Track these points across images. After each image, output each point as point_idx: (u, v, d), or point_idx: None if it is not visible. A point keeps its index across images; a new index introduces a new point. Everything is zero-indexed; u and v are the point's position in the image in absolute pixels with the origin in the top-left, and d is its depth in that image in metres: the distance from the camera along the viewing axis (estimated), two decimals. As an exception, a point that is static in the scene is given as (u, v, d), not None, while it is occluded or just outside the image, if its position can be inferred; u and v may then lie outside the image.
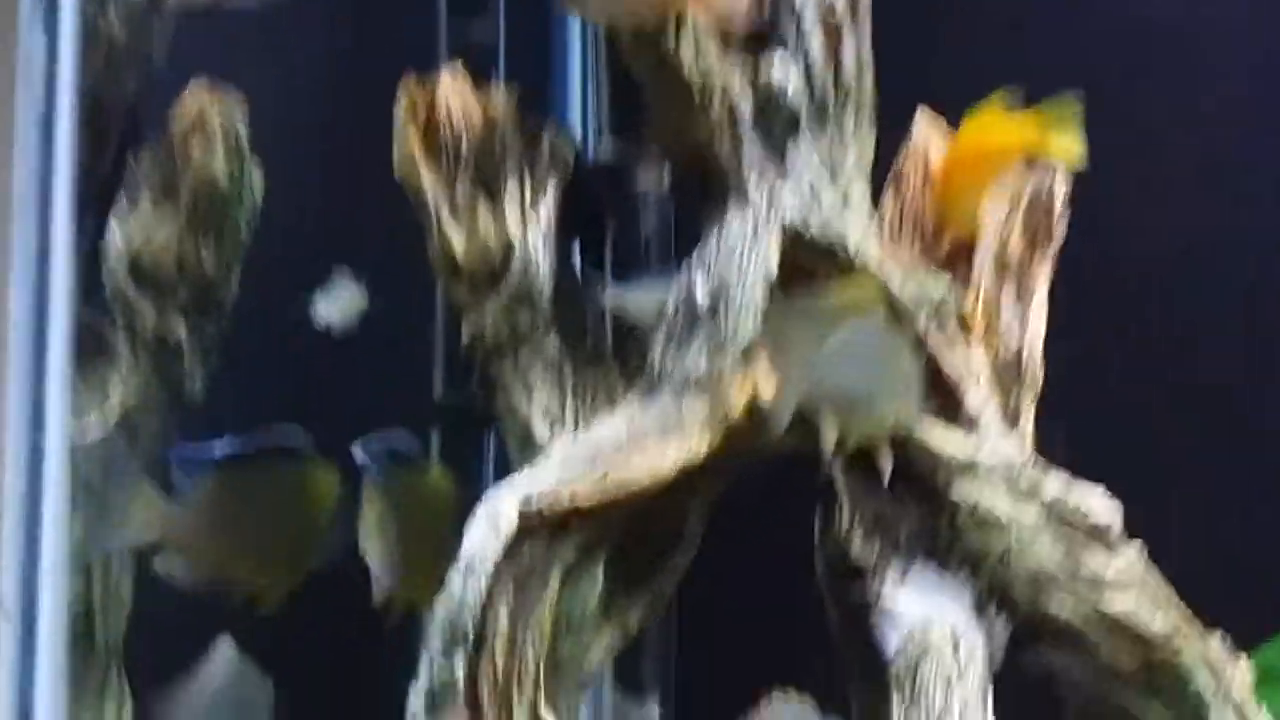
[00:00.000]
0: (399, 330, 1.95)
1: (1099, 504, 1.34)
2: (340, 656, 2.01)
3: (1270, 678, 1.72)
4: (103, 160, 1.65)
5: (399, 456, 1.51)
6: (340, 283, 1.74)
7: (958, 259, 1.52)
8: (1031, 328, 1.48)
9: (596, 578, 1.37)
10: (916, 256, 1.52)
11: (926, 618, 1.32)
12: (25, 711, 1.23)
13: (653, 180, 1.75)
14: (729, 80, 1.38)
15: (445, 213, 1.44)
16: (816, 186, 1.38)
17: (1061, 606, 1.32)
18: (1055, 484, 1.35)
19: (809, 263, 1.38)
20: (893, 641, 1.33)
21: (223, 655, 1.85)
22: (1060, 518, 1.33)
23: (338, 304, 1.73)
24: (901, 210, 1.55)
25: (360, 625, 1.64)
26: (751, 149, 1.37)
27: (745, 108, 1.38)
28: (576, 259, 1.64)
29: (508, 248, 1.44)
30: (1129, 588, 1.32)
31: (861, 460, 1.40)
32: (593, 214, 1.74)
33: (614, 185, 1.74)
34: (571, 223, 1.68)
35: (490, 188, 1.46)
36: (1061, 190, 1.51)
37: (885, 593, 1.36)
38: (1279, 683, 1.70)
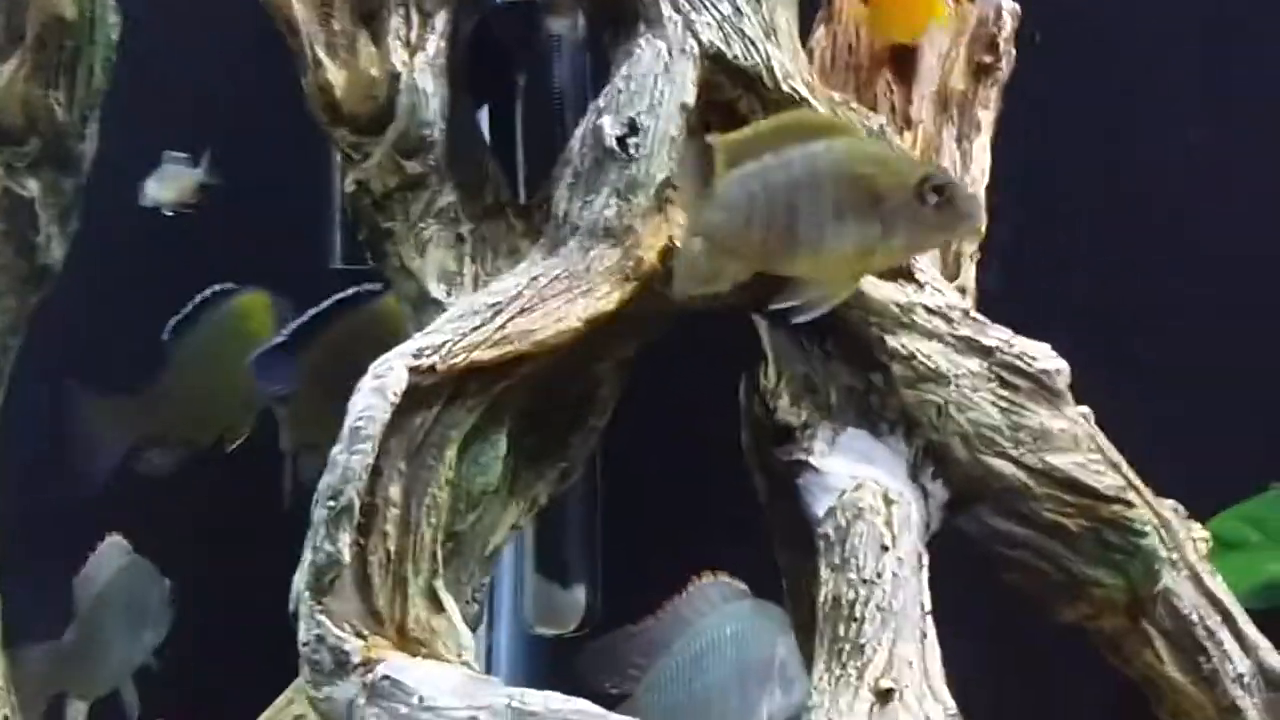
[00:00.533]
0: (293, 191, 1.82)
1: (1043, 354, 1.23)
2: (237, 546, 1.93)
3: (1223, 545, 1.67)
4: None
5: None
6: (170, 164, 1.64)
7: (898, 94, 1.41)
8: (975, 168, 1.37)
9: (499, 446, 1.25)
10: (849, 90, 1.40)
11: (858, 480, 1.22)
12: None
13: (566, 24, 1.61)
14: (642, -103, 1.24)
15: (322, 48, 1.29)
16: (738, 12, 1.24)
17: (1003, 464, 1.21)
18: (998, 334, 1.24)
19: (730, 93, 1.25)
20: (822, 505, 1.22)
21: (112, 550, 1.78)
22: (1003, 369, 1.22)
23: (169, 185, 1.63)
24: (834, 45, 1.43)
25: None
26: (666, -30, 1.24)
27: (660, -76, 1.25)
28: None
29: (392, 86, 1.29)
30: (1076, 444, 1.22)
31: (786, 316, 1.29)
32: (500, 60, 1.61)
33: (524, 28, 1.61)
34: (475, 67, 1.55)
35: (372, 20, 1.31)
36: (1009, 19, 1.40)
37: (815, 455, 1.25)
38: (1229, 552, 1.66)
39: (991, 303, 1.36)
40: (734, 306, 1.29)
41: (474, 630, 1.26)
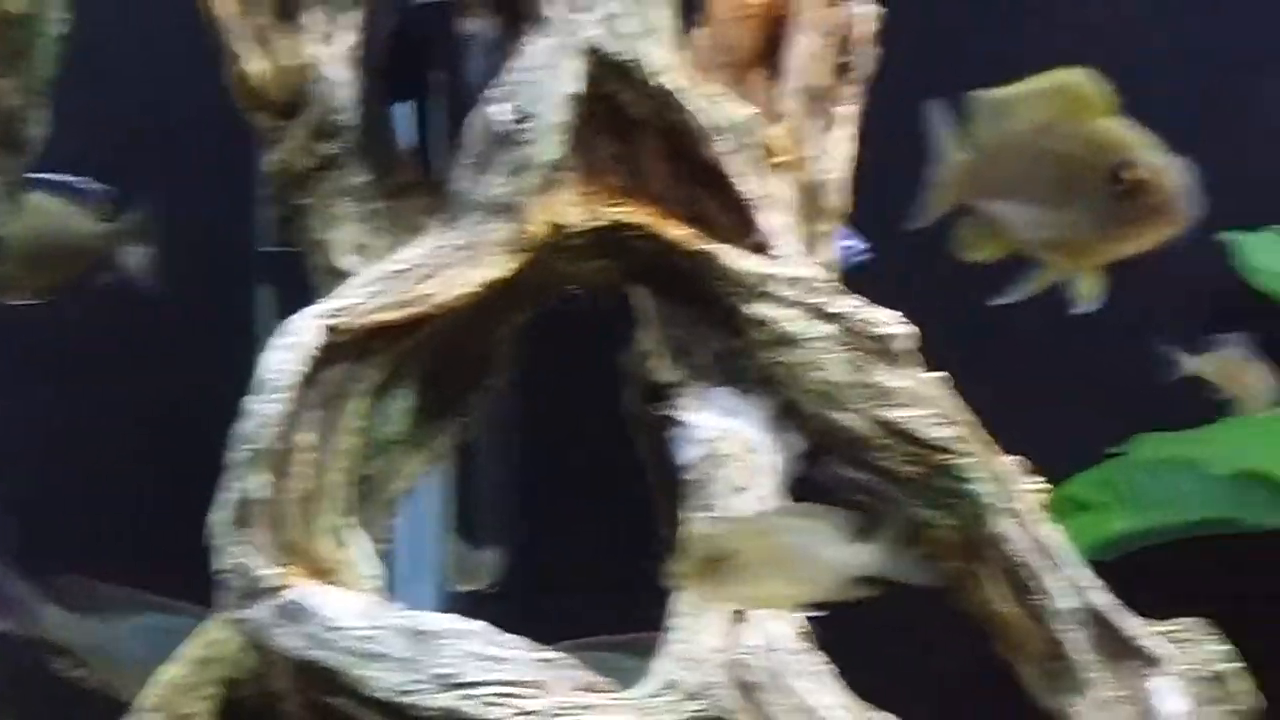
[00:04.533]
0: (220, 175, 1.94)
1: (888, 319, 1.38)
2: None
3: (1075, 507, 1.83)
4: None
5: None
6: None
7: (770, 90, 1.56)
8: (836, 156, 1.52)
9: (404, 400, 1.40)
10: (727, 87, 1.55)
11: (721, 432, 1.37)
12: None
13: (481, 23, 1.74)
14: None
15: (242, 40, 1.43)
16: (620, 10, 1.38)
17: (848, 418, 1.36)
18: (847, 302, 1.39)
19: (612, 85, 1.39)
20: (690, 455, 1.37)
21: None
22: (850, 333, 1.37)
23: None
24: (712, 42, 1.57)
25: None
26: (552, -27, 1.38)
27: (546, -69, 1.39)
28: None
29: (308, 75, 1.43)
30: (914, 401, 1.37)
31: (661, 285, 1.44)
32: (419, 56, 1.74)
33: (441, 26, 1.74)
34: (396, 65, 1.68)
35: (290, 15, 1.44)
36: (870, 19, 1.55)
37: (685, 411, 1.41)
38: (1081, 512, 1.82)
39: (862, 276, 1.51)
40: (616, 276, 1.45)
41: (385, 568, 1.40)
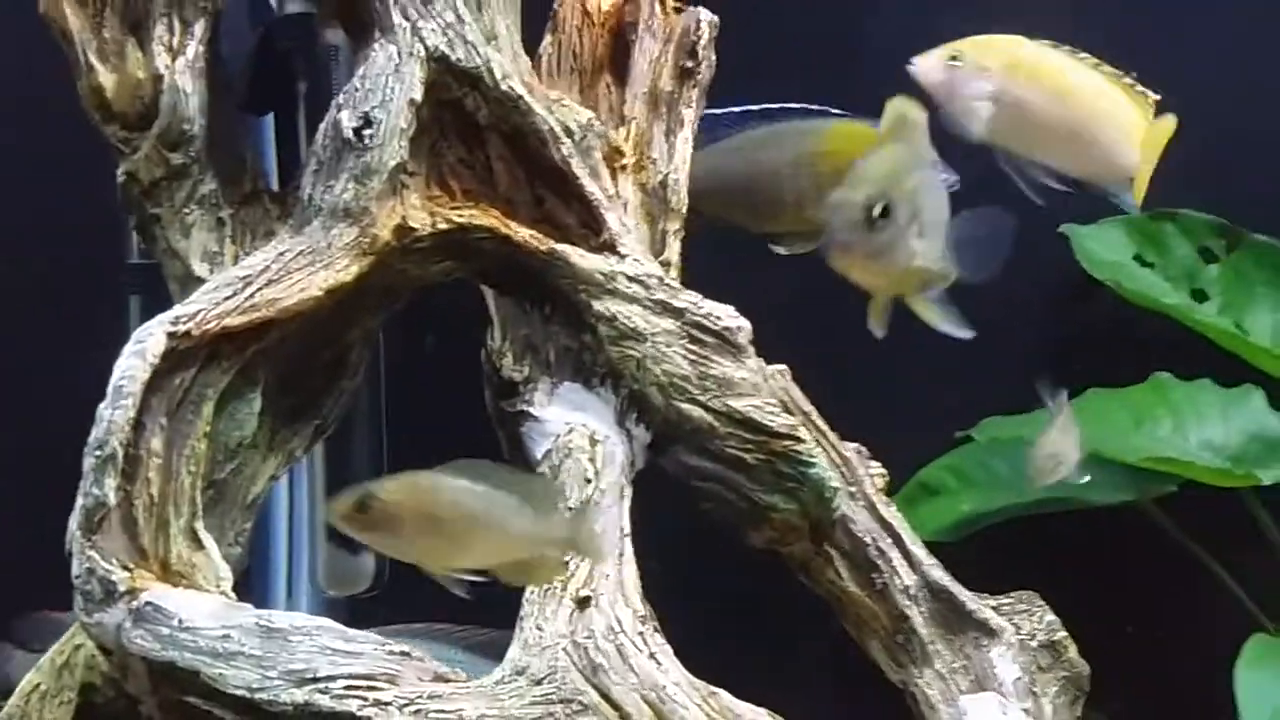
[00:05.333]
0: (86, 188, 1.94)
1: (727, 314, 1.43)
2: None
3: (928, 492, 1.89)
4: None
5: None
6: None
7: (616, 95, 1.61)
8: (678, 158, 1.57)
9: (254, 404, 1.41)
10: (574, 93, 1.59)
11: (571, 425, 1.41)
12: None
13: (342, 35, 1.76)
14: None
15: (94, 54, 1.45)
16: (461, 20, 1.42)
17: (692, 409, 1.41)
18: (688, 298, 1.44)
19: (456, 92, 1.42)
20: (540, 449, 1.42)
21: None
22: (692, 327, 1.41)
23: None
24: (560, 51, 1.62)
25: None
26: (395, -15, 1.42)
27: (389, -58, 1.42)
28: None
29: (156, 87, 1.45)
30: (755, 390, 1.42)
31: (510, 285, 1.48)
32: (282, 66, 1.76)
33: (304, 39, 1.77)
34: (259, 76, 1.70)
35: (139, 28, 1.46)
36: (708, 28, 1.60)
37: (535, 406, 1.44)
38: (933, 496, 1.89)
39: (712, 272, 1.55)
40: (465, 278, 1.48)
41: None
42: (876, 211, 1.18)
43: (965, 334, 1.30)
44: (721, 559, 1.61)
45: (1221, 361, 1.79)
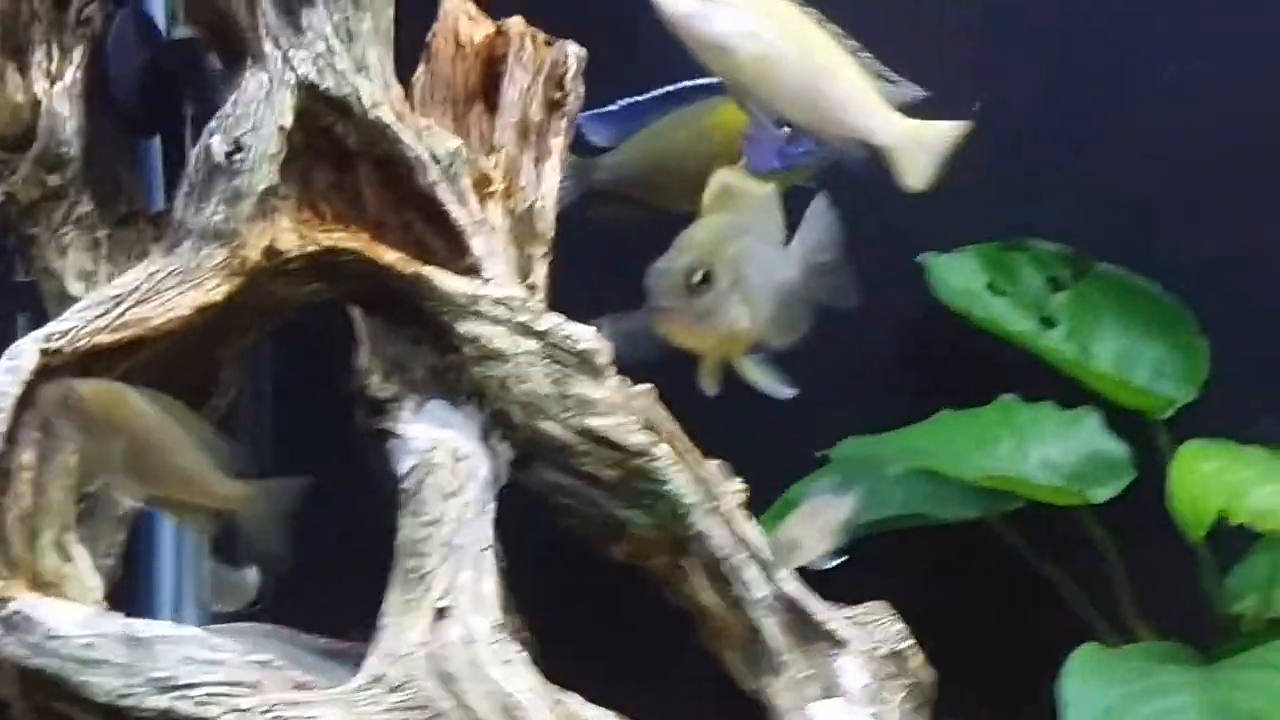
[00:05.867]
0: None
1: (587, 336, 1.49)
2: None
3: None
4: None
5: None
6: None
7: (487, 124, 1.66)
8: (545, 185, 1.63)
9: (126, 420, 1.46)
10: (445, 120, 1.65)
11: (434, 442, 1.46)
12: None
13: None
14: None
15: (-28, 78, 1.50)
16: (331, 49, 1.47)
17: (553, 427, 1.47)
18: (550, 320, 1.49)
19: (326, 119, 1.47)
20: (405, 465, 1.46)
21: None
22: (553, 348, 1.48)
23: None
24: (433, 81, 1.67)
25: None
26: (267, 13, 1.45)
27: (261, -27, 1.47)
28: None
29: (35, 111, 1.50)
30: (613, 410, 1.48)
31: (377, 306, 1.53)
32: (169, 89, 1.80)
33: (191, 61, 1.80)
34: (147, 98, 1.74)
35: (19, 54, 1.51)
36: (575, 61, 1.67)
37: (401, 424, 1.49)
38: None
39: (587, 292, 1.61)
40: (334, 298, 1.53)
41: (110, 583, 1.45)
42: (697, 278, 1.25)
43: (786, 393, 1.37)
44: (597, 570, 1.68)
45: (1068, 386, 1.88)
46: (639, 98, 1.72)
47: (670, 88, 1.72)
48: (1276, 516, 1.57)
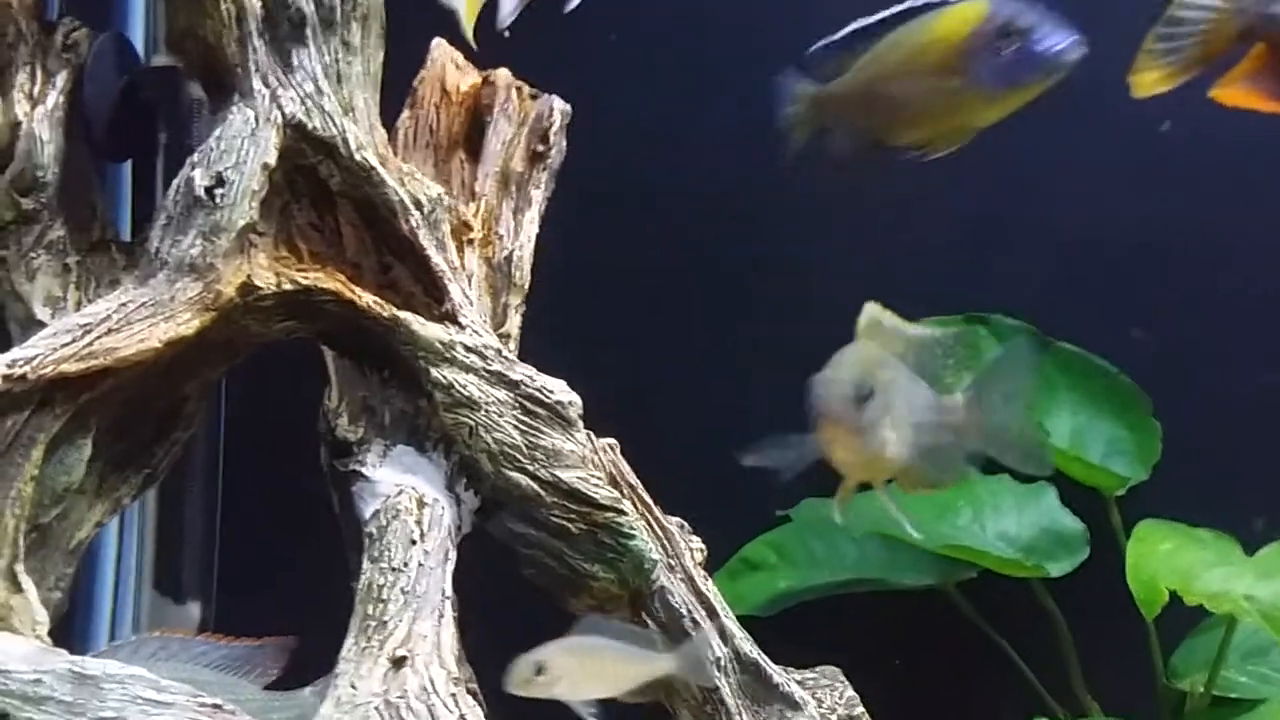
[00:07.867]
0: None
1: (559, 388, 1.49)
2: None
3: (749, 567, 1.97)
4: None
5: None
6: None
7: (469, 172, 1.67)
8: (523, 236, 1.63)
9: (83, 450, 1.42)
10: (428, 167, 1.65)
11: (400, 487, 1.45)
12: None
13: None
14: (238, -18, 1.46)
15: (-50, 98, 1.47)
16: (320, 90, 1.47)
17: (520, 477, 1.46)
18: (523, 370, 1.49)
19: (311, 159, 1.47)
20: (370, 509, 1.45)
21: None
22: (525, 399, 1.47)
23: None
24: (417, 126, 1.68)
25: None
26: (258, 50, 1.46)
27: (253, 8, 1.46)
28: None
29: (14, 133, 1.47)
30: (582, 463, 1.48)
31: (350, 347, 1.52)
32: (145, 116, 1.78)
33: (168, 91, 1.79)
34: (121, 125, 1.72)
35: (2, 75, 1.49)
36: (559, 115, 1.68)
37: (367, 467, 1.48)
38: (754, 571, 1.96)
39: (550, 347, 1.61)
40: (307, 337, 1.52)
41: (57, 617, 1.42)
42: (863, 392, 1.23)
43: (915, 536, 1.48)
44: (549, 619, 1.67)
45: (1025, 460, 1.91)
46: (866, 20, 1.66)
47: (897, 7, 1.57)
48: (1228, 599, 1.60)
